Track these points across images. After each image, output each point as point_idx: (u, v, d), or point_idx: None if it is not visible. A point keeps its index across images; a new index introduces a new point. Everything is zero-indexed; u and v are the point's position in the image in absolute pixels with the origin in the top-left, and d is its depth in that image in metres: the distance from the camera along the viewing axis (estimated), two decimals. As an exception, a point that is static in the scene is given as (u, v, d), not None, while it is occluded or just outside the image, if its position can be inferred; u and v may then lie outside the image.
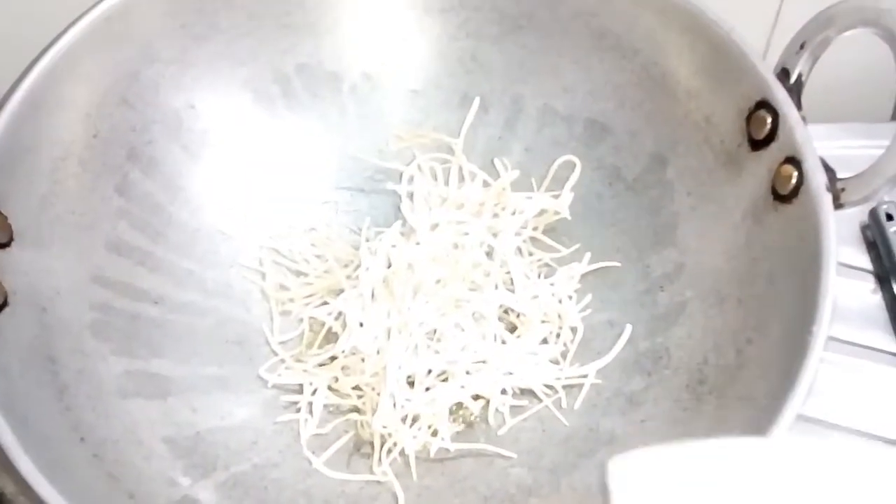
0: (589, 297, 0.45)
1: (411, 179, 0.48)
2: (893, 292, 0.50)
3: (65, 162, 0.41)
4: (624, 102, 0.47)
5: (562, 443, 0.40)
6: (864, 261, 0.51)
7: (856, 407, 0.46)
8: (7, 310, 0.36)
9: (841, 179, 0.38)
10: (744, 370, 0.37)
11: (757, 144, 0.41)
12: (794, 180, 0.38)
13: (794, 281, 0.37)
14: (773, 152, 0.40)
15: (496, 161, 0.49)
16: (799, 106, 0.40)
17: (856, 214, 0.53)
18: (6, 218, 0.38)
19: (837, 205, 0.38)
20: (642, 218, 0.45)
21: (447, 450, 0.41)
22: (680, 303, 0.42)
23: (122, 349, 0.40)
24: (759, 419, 0.33)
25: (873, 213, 0.52)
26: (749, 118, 0.41)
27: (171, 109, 0.46)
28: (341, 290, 0.45)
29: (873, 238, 0.52)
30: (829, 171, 0.38)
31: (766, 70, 0.40)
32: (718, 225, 0.42)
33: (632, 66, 0.46)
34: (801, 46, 0.40)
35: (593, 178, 0.47)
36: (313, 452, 0.41)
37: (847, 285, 0.50)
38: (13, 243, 0.38)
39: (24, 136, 0.39)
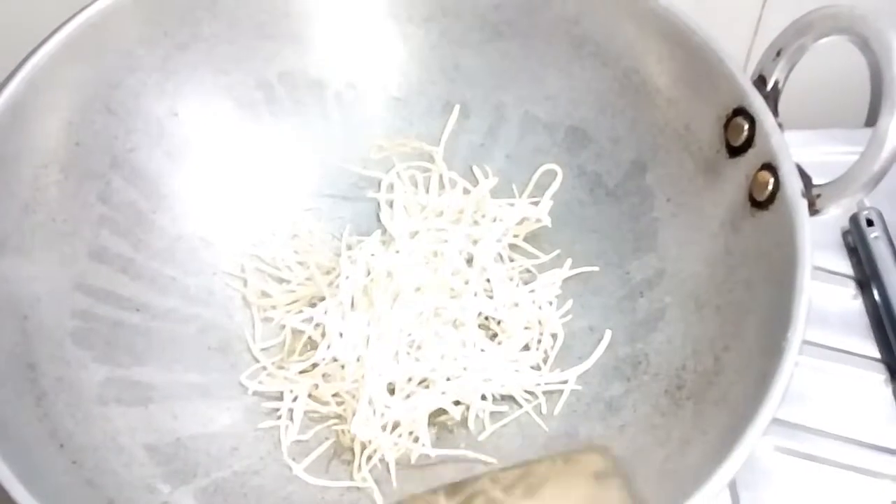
0: (570, 303, 0.45)
1: (391, 187, 0.48)
2: (874, 297, 0.50)
3: (47, 169, 0.41)
4: (605, 109, 0.47)
5: (541, 448, 0.41)
6: (846, 266, 0.52)
7: (837, 411, 0.46)
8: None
9: (817, 186, 0.38)
10: (721, 376, 0.38)
11: (735, 151, 0.41)
12: (770, 187, 0.39)
13: (771, 287, 0.37)
14: (751, 159, 0.40)
15: (476, 168, 0.49)
16: (776, 113, 0.41)
17: (837, 220, 0.54)
18: (-14, 225, 0.38)
19: (813, 211, 0.38)
20: (623, 224, 0.46)
21: (427, 456, 0.41)
22: (659, 309, 0.43)
23: (104, 356, 0.40)
24: (736, 424, 0.34)
25: (854, 219, 0.52)
26: (727, 125, 0.41)
27: (153, 117, 0.46)
28: (323, 298, 0.45)
29: (854, 244, 0.52)
30: (805, 177, 0.38)
31: (744, 77, 0.41)
32: (697, 232, 0.42)
33: (613, 73, 0.46)
34: (778, 53, 0.40)
35: (575, 184, 0.48)
36: (294, 459, 0.41)
37: (828, 290, 0.51)
38: (-6, 250, 0.38)
39: (5, 145, 0.39)
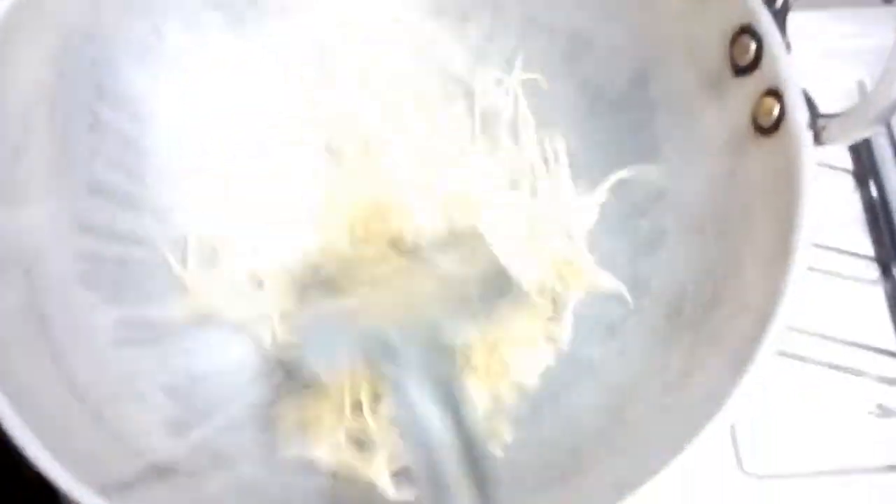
0: (570, 218, 0.46)
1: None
2: (871, 193, 0.50)
3: (34, 107, 0.40)
4: (608, 15, 0.45)
5: (542, 373, 0.42)
6: (845, 159, 0.52)
7: (828, 310, 0.47)
8: (-7, 277, 0.37)
9: (823, 116, 0.37)
10: (720, 308, 0.38)
11: (740, 70, 0.40)
12: (775, 114, 0.38)
13: (771, 218, 0.37)
14: (756, 81, 0.39)
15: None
16: (783, 31, 0.39)
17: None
18: (-21, 183, 0.38)
19: (819, 142, 0.37)
20: (624, 138, 0.45)
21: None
22: (660, 229, 0.43)
23: (113, 296, 0.41)
24: (734, 364, 0.35)
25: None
26: (732, 42, 0.40)
27: (136, 37, 0.44)
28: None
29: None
30: (812, 106, 0.38)
31: (752, -6, 0.39)
32: (699, 150, 0.42)
33: (615, -24, 0.44)
34: (789, -30, 0.39)
35: (577, 96, 0.46)
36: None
37: (824, 185, 0.50)
38: (-10, 204, 0.38)
39: (-9, 87, 0.38)
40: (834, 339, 0.46)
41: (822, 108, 0.37)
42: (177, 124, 0.45)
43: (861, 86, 0.53)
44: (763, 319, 0.35)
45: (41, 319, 0.38)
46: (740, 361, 0.34)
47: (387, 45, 0.48)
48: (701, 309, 0.39)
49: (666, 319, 0.40)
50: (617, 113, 0.45)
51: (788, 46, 0.39)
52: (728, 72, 0.40)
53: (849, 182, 0.51)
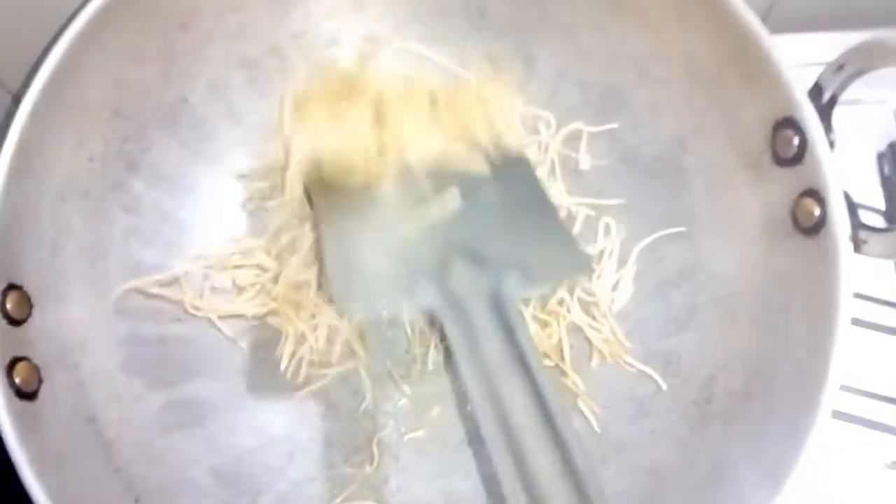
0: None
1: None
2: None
3: (66, 199, 0.40)
4: (644, 75, 0.44)
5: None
6: (878, 197, 0.51)
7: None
8: (43, 388, 0.37)
9: (865, 228, 0.37)
10: (751, 403, 0.39)
11: (781, 161, 0.39)
12: (815, 217, 0.38)
13: (807, 323, 0.38)
14: (797, 176, 0.38)
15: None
16: (829, 128, 0.38)
17: (873, 144, 0.52)
18: (22, 289, 0.38)
19: (857, 250, 0.37)
20: (659, 203, 0.45)
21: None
22: (692, 306, 0.43)
23: (157, 380, 0.42)
24: (763, 476, 0.36)
25: (892, 147, 0.51)
26: (776, 131, 0.39)
27: (164, 107, 0.43)
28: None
29: (889, 173, 0.51)
30: (854, 214, 0.37)
31: (799, 89, 0.38)
32: (735, 230, 0.42)
33: (653, 38, 0.43)
34: (840, 67, 0.37)
35: (608, 152, 0.46)
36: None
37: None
38: (34, 311, 0.38)
39: (23, 192, 0.38)
40: (851, 390, 0.48)
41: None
42: (212, 192, 0.45)
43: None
44: (795, 433, 0.36)
45: (92, 421, 0.39)
46: (774, 477, 0.35)
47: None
48: (732, 400, 0.40)
49: (695, 406, 0.41)
50: (651, 177, 0.45)
51: (832, 144, 0.38)
52: (769, 159, 0.40)
53: (879, 220, 0.51)
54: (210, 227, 0.45)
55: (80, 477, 0.37)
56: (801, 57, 0.40)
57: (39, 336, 0.38)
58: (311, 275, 0.44)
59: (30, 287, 0.38)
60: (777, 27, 0.39)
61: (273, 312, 0.44)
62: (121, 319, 0.42)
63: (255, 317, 0.44)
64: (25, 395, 0.36)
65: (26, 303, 0.38)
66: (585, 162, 0.46)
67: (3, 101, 0.48)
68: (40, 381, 0.37)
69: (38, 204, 0.39)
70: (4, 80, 0.47)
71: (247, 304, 0.44)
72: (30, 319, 0.38)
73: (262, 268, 0.45)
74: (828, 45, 0.40)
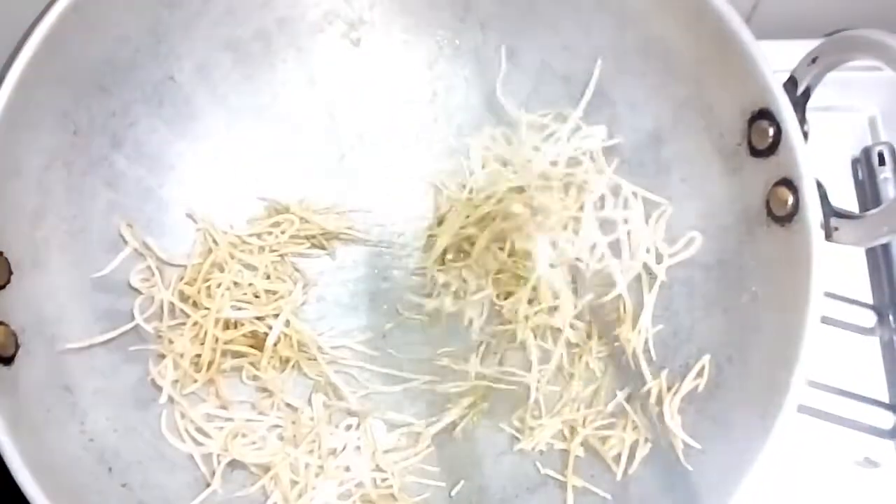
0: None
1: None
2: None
3: (49, 169, 0.40)
4: (625, 71, 0.45)
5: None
6: (851, 200, 0.52)
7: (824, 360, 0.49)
8: (20, 353, 0.37)
9: (837, 215, 0.38)
10: (723, 391, 0.40)
11: (757, 152, 0.40)
12: (788, 206, 0.38)
13: (778, 313, 0.38)
14: (772, 167, 0.39)
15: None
16: (803, 119, 0.39)
17: (848, 148, 0.53)
18: (2, 255, 0.38)
19: (828, 237, 0.38)
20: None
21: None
22: (666, 296, 0.44)
23: (133, 355, 0.42)
24: (732, 459, 0.37)
25: (865, 153, 0.52)
26: (751, 122, 0.40)
27: (149, 85, 0.43)
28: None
29: (862, 177, 0.52)
30: (826, 202, 0.38)
31: (775, 81, 0.39)
32: (710, 220, 0.43)
33: (635, 34, 0.44)
34: (814, 60, 0.38)
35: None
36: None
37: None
38: (12, 277, 0.38)
39: (5, 162, 0.38)
40: (822, 387, 0.48)
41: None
42: (194, 172, 0.45)
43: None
44: (764, 419, 0.36)
45: (68, 390, 0.39)
46: (740, 465, 0.36)
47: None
48: (705, 388, 0.41)
49: (669, 391, 0.42)
50: (629, 170, 0.46)
51: (806, 135, 0.39)
52: (745, 149, 0.41)
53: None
54: (190, 205, 0.45)
55: (54, 443, 0.37)
56: (780, 63, 0.41)
57: (17, 302, 0.38)
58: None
59: (10, 254, 0.38)
60: (757, 34, 0.40)
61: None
62: (100, 292, 0.42)
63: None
64: (2, 359, 0.36)
65: (6, 269, 0.38)
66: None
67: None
68: (17, 346, 0.37)
69: (22, 173, 0.39)
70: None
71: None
72: (8, 286, 0.38)
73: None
74: (803, 52, 0.41)
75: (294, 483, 0.41)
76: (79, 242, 0.41)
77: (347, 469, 0.42)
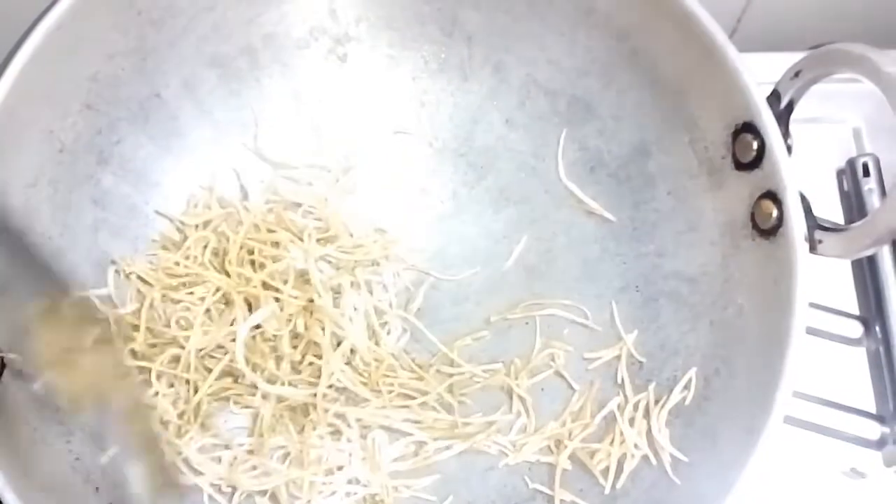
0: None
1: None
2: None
3: (35, 188, 0.40)
4: (610, 84, 0.45)
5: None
6: (836, 211, 0.52)
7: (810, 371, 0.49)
8: (6, 373, 0.37)
9: (821, 228, 0.38)
10: (709, 403, 0.40)
11: (741, 166, 0.40)
12: (773, 219, 0.39)
13: (764, 325, 0.39)
14: (756, 180, 0.40)
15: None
16: (787, 133, 0.39)
17: (833, 160, 0.53)
18: (-12, 274, 0.38)
19: (812, 250, 0.38)
20: (622, 210, 0.46)
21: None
22: (654, 309, 0.44)
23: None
24: (718, 471, 0.37)
25: (850, 164, 0.52)
26: (735, 136, 0.40)
27: (135, 102, 0.43)
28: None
29: (847, 189, 0.52)
30: (810, 215, 0.38)
31: (759, 94, 0.39)
32: (697, 234, 0.43)
33: (619, 48, 0.44)
34: (797, 74, 0.39)
35: (576, 159, 0.47)
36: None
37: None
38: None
39: (-8, 183, 0.38)
40: (808, 398, 0.48)
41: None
42: (180, 188, 0.45)
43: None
44: (750, 432, 0.36)
45: (54, 407, 0.39)
46: (727, 477, 0.36)
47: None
48: (692, 401, 0.41)
49: (657, 405, 0.42)
50: (616, 184, 0.46)
51: (790, 149, 0.39)
52: (729, 163, 0.41)
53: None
54: (177, 222, 0.45)
55: (40, 462, 0.37)
56: (764, 76, 0.41)
57: (3, 321, 0.38)
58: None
59: (-5, 272, 0.38)
60: (741, 47, 0.41)
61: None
62: (86, 310, 0.42)
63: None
64: (-13, 380, 0.36)
65: (-10, 289, 0.38)
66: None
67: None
68: (3, 366, 0.37)
69: (8, 192, 0.39)
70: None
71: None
72: (-5, 302, 0.38)
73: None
74: (788, 65, 0.41)
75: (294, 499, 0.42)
76: (65, 261, 0.41)
77: (351, 482, 0.42)
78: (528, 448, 0.43)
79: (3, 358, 0.37)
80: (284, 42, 0.46)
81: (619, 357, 0.44)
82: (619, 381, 0.43)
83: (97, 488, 0.38)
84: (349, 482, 0.42)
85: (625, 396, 0.43)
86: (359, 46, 0.47)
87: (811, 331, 0.49)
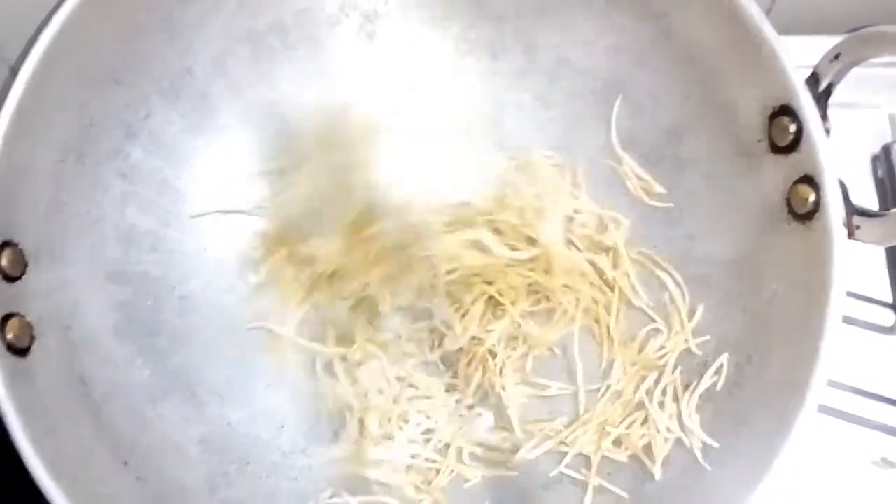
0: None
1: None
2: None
3: (64, 162, 0.40)
4: (644, 64, 0.44)
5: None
6: (871, 198, 0.51)
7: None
8: (36, 345, 0.37)
9: (859, 213, 0.37)
10: (741, 391, 0.40)
11: (777, 149, 0.40)
12: (810, 203, 0.38)
13: (798, 309, 0.38)
14: (793, 164, 0.39)
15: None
16: (825, 116, 0.39)
17: (867, 146, 0.53)
18: (18, 246, 0.38)
19: (850, 236, 0.38)
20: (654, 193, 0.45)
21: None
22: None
23: (148, 348, 0.42)
24: (749, 460, 0.37)
25: (886, 150, 0.51)
26: (772, 119, 0.40)
27: (166, 78, 0.43)
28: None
29: (882, 175, 0.51)
30: (848, 200, 0.38)
31: (797, 76, 0.38)
32: (730, 218, 0.42)
33: (655, 26, 0.43)
34: (837, 57, 0.38)
35: (607, 140, 0.46)
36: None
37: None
38: (28, 269, 0.38)
39: (21, 155, 0.37)
40: (841, 387, 0.48)
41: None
42: (210, 164, 0.45)
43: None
44: (782, 421, 0.36)
45: (81, 381, 0.39)
46: (758, 467, 0.35)
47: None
48: (723, 387, 0.40)
49: (688, 389, 0.42)
50: (648, 165, 0.45)
51: (828, 131, 0.38)
52: (766, 146, 0.40)
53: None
54: (207, 197, 0.45)
55: (68, 436, 0.37)
56: (799, 59, 0.40)
57: (33, 294, 0.38)
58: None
59: (25, 245, 0.38)
60: (776, 29, 0.40)
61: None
62: (114, 284, 0.42)
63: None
64: (17, 350, 0.36)
65: (21, 260, 0.37)
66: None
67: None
68: (33, 338, 0.37)
69: (37, 165, 0.39)
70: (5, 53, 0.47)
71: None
72: (24, 277, 0.38)
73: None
74: (826, 48, 0.40)
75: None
76: (93, 234, 0.41)
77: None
78: (581, 440, 0.42)
79: (32, 330, 0.38)
80: (315, 18, 0.45)
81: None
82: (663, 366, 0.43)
83: (125, 462, 0.38)
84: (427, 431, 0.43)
85: (655, 382, 0.42)
86: (387, 24, 0.47)
87: (843, 319, 0.49)
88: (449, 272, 0.44)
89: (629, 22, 0.44)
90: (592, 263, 0.45)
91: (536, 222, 0.45)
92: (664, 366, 0.43)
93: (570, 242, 0.46)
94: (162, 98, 0.43)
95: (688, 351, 0.42)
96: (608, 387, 0.43)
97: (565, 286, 0.44)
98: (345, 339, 0.44)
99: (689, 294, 0.44)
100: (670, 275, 0.44)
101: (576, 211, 0.46)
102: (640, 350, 0.44)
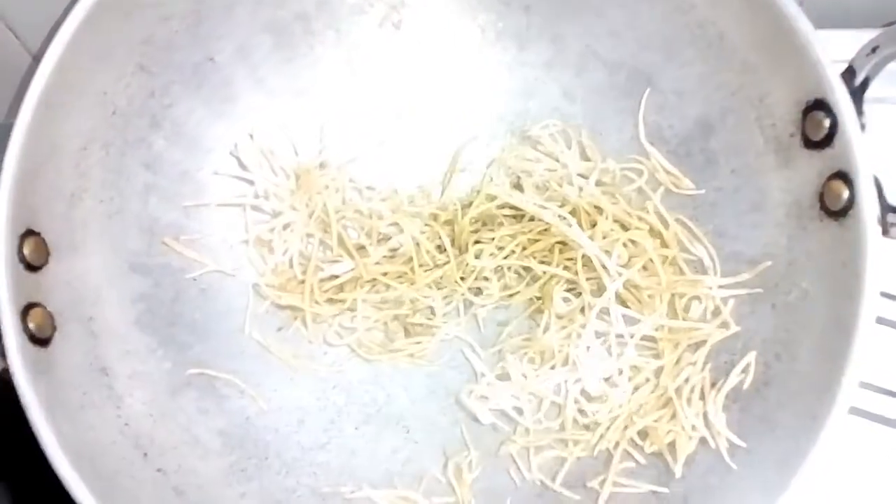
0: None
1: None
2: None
3: (87, 150, 0.40)
4: (673, 57, 0.43)
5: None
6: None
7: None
8: (57, 336, 0.37)
9: (894, 211, 0.36)
10: (769, 390, 0.39)
11: (811, 144, 0.39)
12: (843, 200, 0.37)
13: (830, 307, 0.37)
14: (826, 159, 0.38)
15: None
16: (860, 110, 0.38)
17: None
18: (40, 235, 0.37)
19: (885, 234, 0.37)
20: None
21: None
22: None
23: (169, 338, 0.42)
24: (776, 460, 0.36)
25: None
26: (806, 113, 0.39)
27: (188, 66, 0.43)
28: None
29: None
30: (882, 197, 0.37)
31: (832, 70, 0.37)
32: (760, 214, 0.41)
33: (685, 19, 0.42)
34: (874, 50, 0.37)
35: (634, 134, 0.45)
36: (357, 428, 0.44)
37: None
38: (50, 258, 0.38)
39: (44, 143, 0.37)
40: (872, 388, 0.47)
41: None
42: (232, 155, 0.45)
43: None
44: (812, 421, 0.35)
45: (104, 373, 0.39)
46: (786, 467, 0.35)
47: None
48: (751, 386, 0.40)
49: (714, 388, 0.41)
50: (675, 160, 0.44)
51: (863, 127, 0.37)
52: (798, 141, 0.39)
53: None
54: (229, 189, 0.45)
55: (90, 427, 0.37)
56: (833, 53, 0.39)
57: (55, 284, 0.38)
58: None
59: (48, 235, 0.38)
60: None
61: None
62: (136, 275, 0.41)
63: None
64: (39, 340, 0.36)
65: (43, 250, 0.38)
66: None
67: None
68: (54, 328, 0.37)
69: (60, 154, 0.39)
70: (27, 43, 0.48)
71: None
72: (46, 267, 0.38)
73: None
74: (862, 42, 0.39)
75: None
76: (116, 224, 0.41)
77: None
78: (610, 435, 0.42)
79: (53, 320, 0.37)
80: (339, 7, 0.45)
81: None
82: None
83: (145, 454, 0.38)
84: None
85: (685, 379, 0.41)
86: (414, 13, 0.46)
87: (878, 320, 0.48)
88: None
89: (658, 14, 0.43)
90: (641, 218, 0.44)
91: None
92: (699, 344, 0.42)
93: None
94: (185, 87, 0.43)
95: (716, 347, 0.41)
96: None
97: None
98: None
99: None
100: (706, 248, 0.43)
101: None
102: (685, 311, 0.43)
